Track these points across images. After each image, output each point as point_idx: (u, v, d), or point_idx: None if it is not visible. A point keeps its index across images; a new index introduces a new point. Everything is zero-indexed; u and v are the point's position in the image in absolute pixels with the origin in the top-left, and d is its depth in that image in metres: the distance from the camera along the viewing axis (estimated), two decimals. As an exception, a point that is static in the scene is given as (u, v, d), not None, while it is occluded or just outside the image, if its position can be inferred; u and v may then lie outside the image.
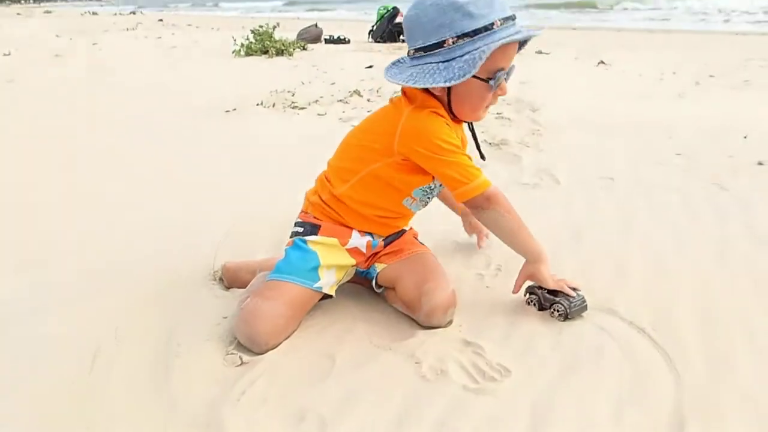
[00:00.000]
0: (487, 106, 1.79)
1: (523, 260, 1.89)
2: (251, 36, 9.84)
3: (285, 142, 4.23)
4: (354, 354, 1.73)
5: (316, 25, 13.21)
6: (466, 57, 1.60)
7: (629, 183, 3.11)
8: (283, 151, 4.01)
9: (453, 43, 1.61)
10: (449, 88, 1.71)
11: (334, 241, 1.87)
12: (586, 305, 1.86)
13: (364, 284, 2.06)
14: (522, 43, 1.72)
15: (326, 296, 1.89)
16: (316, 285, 1.82)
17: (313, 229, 1.87)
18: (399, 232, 2.02)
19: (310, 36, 12.24)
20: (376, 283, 1.96)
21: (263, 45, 9.62)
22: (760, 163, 3.33)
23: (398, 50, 10.67)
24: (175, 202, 3.06)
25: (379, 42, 12.53)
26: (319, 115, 5.08)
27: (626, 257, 2.27)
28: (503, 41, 1.59)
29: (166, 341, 1.80)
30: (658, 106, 5.13)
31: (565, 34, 13.99)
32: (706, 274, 2.13)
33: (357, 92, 5.84)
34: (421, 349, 1.72)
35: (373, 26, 13.15)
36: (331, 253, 1.86)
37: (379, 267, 1.95)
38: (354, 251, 1.90)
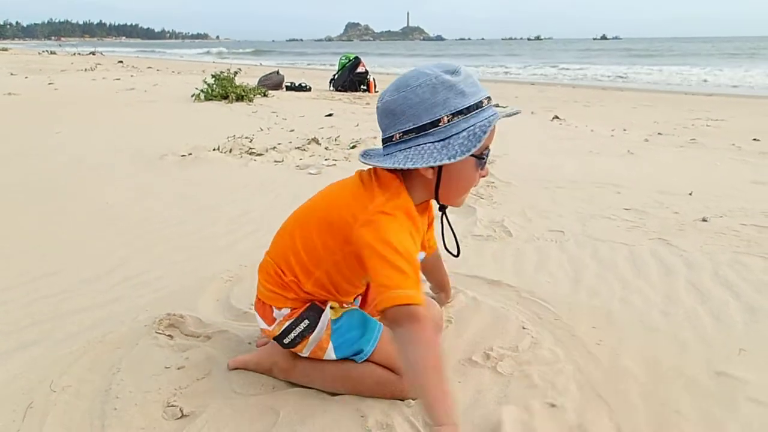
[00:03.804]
0: (469, 189, 1.75)
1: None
2: (212, 80, 9.86)
3: (239, 189, 4.21)
4: (299, 407, 1.70)
5: (277, 72, 13.37)
6: (464, 134, 1.53)
7: (578, 237, 3.16)
8: (236, 197, 3.98)
9: (448, 121, 1.54)
10: (440, 170, 1.62)
11: (335, 305, 1.80)
12: None
13: None
14: None
15: None
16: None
17: (318, 312, 1.75)
18: None
19: (272, 83, 12.36)
20: None
21: (224, 90, 9.63)
22: (705, 220, 3.42)
23: (359, 99, 10.81)
24: (123, 248, 2.99)
25: (339, 91, 12.74)
26: (276, 162, 5.08)
27: (574, 310, 2.30)
28: (497, 117, 1.56)
29: (104, 393, 1.74)
30: (608, 162, 5.28)
31: (524, 89, 14.40)
32: (651, 329, 2.16)
33: (315, 140, 5.86)
34: (366, 402, 1.70)
35: (334, 75, 13.38)
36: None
37: None
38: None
